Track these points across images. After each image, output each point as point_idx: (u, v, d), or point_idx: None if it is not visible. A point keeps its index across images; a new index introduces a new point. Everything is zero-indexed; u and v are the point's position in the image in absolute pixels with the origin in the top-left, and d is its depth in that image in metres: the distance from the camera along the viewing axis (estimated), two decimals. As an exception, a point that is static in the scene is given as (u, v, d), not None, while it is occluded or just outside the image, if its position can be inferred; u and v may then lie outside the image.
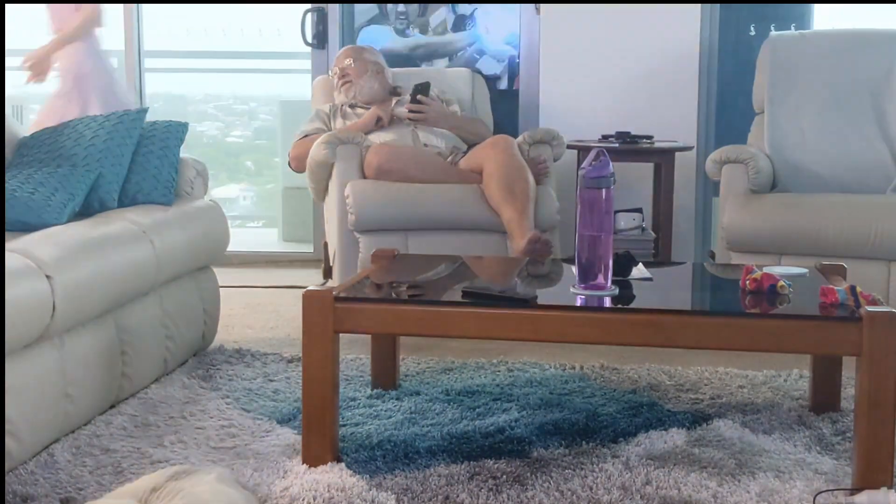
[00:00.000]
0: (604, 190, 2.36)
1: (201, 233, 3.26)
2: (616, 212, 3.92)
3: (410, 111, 4.07)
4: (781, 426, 2.62)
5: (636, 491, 2.19)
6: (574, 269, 2.45)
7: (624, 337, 2.26)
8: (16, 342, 2.24)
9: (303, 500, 2.12)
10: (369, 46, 4.53)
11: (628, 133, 4.43)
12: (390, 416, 2.66)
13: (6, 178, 2.94)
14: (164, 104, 7.33)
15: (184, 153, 3.37)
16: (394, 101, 4.18)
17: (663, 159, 4.40)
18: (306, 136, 4.10)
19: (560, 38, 4.80)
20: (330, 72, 4.44)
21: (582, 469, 2.31)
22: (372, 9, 5.28)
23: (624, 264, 2.61)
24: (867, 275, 3.42)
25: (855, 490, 2.14)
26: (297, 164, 4.06)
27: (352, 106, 4.21)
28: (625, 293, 2.48)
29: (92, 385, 2.60)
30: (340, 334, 2.33)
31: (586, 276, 2.40)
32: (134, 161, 3.18)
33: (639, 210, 4.36)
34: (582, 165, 2.42)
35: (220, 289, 3.48)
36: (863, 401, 2.13)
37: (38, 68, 4.54)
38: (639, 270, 2.68)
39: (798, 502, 2.14)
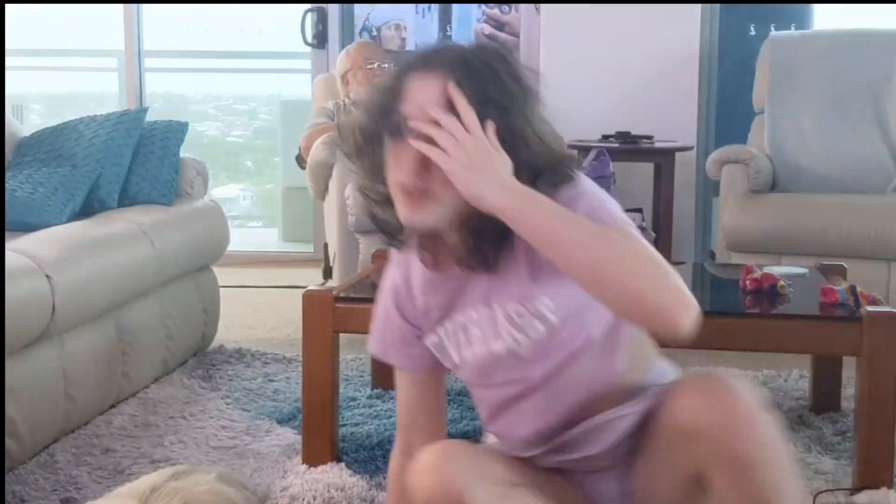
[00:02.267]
0: (604, 190, 2.36)
1: (201, 233, 3.26)
2: (616, 212, 3.91)
3: None
4: (781, 426, 2.62)
5: (636, 491, 2.19)
6: (574, 269, 2.44)
7: (624, 337, 2.26)
8: (16, 342, 2.24)
9: (303, 499, 2.12)
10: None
11: (628, 133, 4.43)
12: (390, 416, 2.66)
13: (6, 178, 2.94)
14: (164, 104, 7.33)
15: (184, 153, 3.36)
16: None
17: (663, 159, 4.40)
18: (318, 127, 4.06)
19: (560, 38, 4.80)
20: (347, 63, 4.28)
21: (582, 469, 2.31)
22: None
23: (624, 264, 2.61)
24: (867, 275, 3.41)
25: (855, 490, 2.14)
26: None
27: (355, 104, 4.20)
28: (625, 293, 2.47)
29: (92, 385, 2.60)
30: (340, 334, 2.33)
31: (586, 276, 2.39)
32: (134, 161, 3.18)
33: (639, 210, 4.36)
34: (582, 165, 2.41)
35: (220, 289, 3.48)
36: (863, 401, 2.12)
37: None
38: (639, 270, 2.68)
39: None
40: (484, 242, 1.44)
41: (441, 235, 1.48)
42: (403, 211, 1.42)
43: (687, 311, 1.29)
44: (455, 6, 5.36)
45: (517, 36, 5.12)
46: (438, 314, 1.57)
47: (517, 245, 1.45)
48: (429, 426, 1.63)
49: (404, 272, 1.61)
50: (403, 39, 5.28)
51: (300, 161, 4.14)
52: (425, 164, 1.38)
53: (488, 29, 5.32)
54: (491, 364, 1.53)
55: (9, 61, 4.01)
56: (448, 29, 5.36)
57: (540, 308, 1.46)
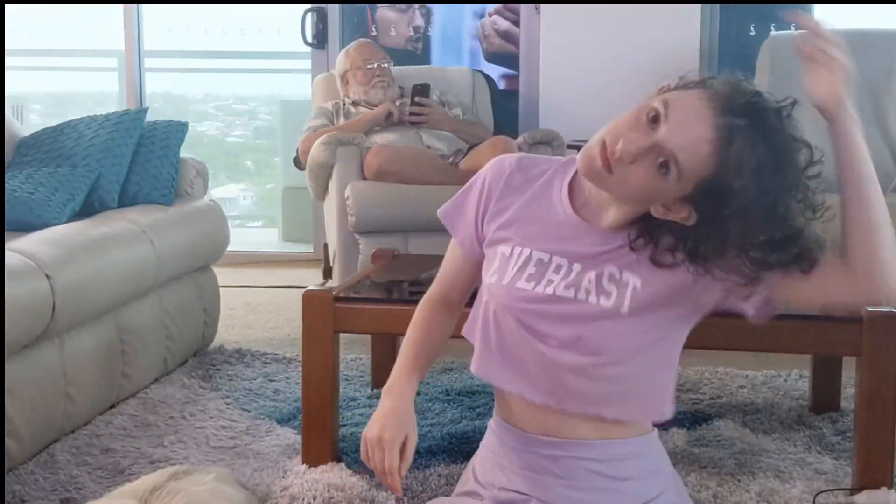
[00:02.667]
0: (604, 190, 2.35)
1: (201, 233, 3.26)
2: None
3: (412, 114, 4.07)
4: (781, 426, 2.62)
5: (636, 491, 2.19)
6: (574, 269, 2.44)
7: (624, 337, 2.26)
8: (16, 342, 2.24)
9: (303, 499, 2.12)
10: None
11: (628, 133, 4.42)
12: (390, 416, 2.66)
13: (6, 178, 2.94)
14: (164, 104, 7.33)
15: (184, 153, 3.36)
16: (397, 103, 4.18)
17: (663, 159, 4.39)
18: (315, 131, 4.08)
19: (560, 38, 4.80)
20: (347, 63, 4.29)
21: (582, 469, 2.31)
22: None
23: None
24: (867, 275, 3.41)
25: (855, 490, 2.14)
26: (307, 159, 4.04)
27: (355, 104, 4.20)
28: (625, 293, 2.47)
29: (92, 385, 2.60)
30: (340, 334, 2.33)
31: (586, 276, 2.39)
32: (134, 161, 3.18)
33: (639, 210, 4.35)
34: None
35: (220, 289, 3.48)
36: (863, 401, 2.12)
37: None
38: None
39: (798, 502, 2.14)
40: (646, 235, 1.51)
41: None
42: (588, 162, 1.47)
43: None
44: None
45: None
46: (526, 236, 1.60)
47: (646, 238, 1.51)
48: (467, 288, 1.77)
49: (548, 179, 1.64)
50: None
51: (298, 164, 4.15)
52: (644, 155, 1.42)
53: (503, 23, 5.23)
54: (535, 302, 1.57)
55: (9, 61, 4.02)
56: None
57: (627, 283, 1.52)
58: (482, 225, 1.67)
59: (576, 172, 1.60)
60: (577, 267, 1.55)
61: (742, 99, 1.43)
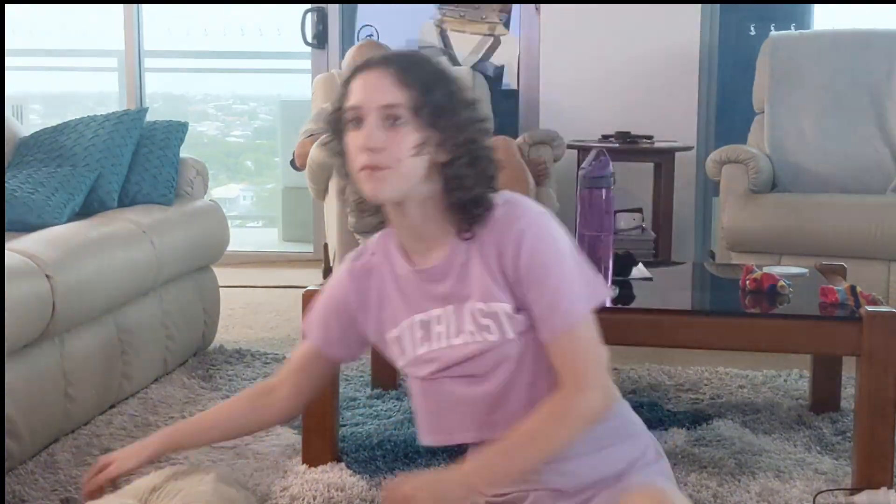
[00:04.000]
0: (604, 190, 2.36)
1: (201, 233, 3.26)
2: (616, 212, 3.92)
3: None
4: (781, 426, 2.62)
5: (636, 491, 2.19)
6: (574, 269, 2.44)
7: (624, 337, 2.26)
8: (16, 342, 2.24)
9: (303, 499, 2.12)
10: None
11: (628, 133, 4.43)
12: (390, 416, 2.66)
13: (6, 178, 2.94)
14: (164, 104, 7.33)
15: (184, 153, 3.36)
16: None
17: (663, 159, 4.40)
18: (312, 135, 4.08)
19: (560, 38, 4.80)
20: (349, 62, 4.29)
21: (582, 469, 2.31)
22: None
23: (624, 264, 2.61)
24: (867, 275, 3.42)
25: (855, 490, 2.14)
26: (303, 162, 4.05)
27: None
28: (625, 293, 2.48)
29: (92, 385, 2.60)
30: (340, 334, 2.32)
31: (586, 276, 2.39)
32: (134, 161, 3.18)
33: (639, 210, 4.36)
34: (582, 165, 2.41)
35: (220, 289, 3.48)
36: (863, 401, 2.12)
37: None
38: (639, 270, 2.68)
39: (798, 502, 2.14)
40: (461, 205, 1.60)
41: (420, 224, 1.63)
42: (368, 189, 1.57)
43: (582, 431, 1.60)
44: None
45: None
46: (399, 311, 1.69)
47: (484, 249, 1.60)
48: (297, 383, 1.83)
49: (383, 253, 1.73)
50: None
51: (294, 166, 4.15)
52: (376, 141, 1.54)
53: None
54: (445, 359, 1.66)
55: (9, 61, 4.01)
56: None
57: (497, 312, 1.61)
58: (355, 327, 1.76)
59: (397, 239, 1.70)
60: (450, 308, 1.64)
61: (379, 50, 1.62)
